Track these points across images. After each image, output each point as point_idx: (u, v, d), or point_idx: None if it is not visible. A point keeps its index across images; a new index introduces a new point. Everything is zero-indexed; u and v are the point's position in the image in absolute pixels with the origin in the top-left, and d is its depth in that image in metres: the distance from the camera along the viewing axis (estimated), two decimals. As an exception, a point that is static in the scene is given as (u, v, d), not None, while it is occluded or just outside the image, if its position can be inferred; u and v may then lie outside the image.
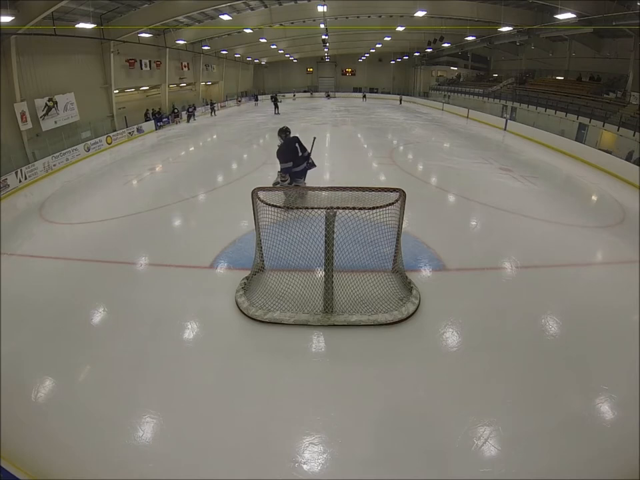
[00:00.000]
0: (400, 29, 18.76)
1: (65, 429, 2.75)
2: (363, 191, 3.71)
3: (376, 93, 38.47)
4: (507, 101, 19.78)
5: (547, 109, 16.07)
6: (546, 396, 2.95)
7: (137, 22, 15.29)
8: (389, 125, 18.33)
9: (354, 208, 3.51)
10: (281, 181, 5.96)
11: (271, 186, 6.03)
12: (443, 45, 23.42)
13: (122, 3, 14.25)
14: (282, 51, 30.20)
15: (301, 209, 4.01)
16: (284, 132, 6.12)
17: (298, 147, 5.94)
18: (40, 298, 4.41)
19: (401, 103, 33.63)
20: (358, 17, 20.21)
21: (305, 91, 39.11)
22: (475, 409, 2.83)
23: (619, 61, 16.03)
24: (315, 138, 6.33)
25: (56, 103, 13.23)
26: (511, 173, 9.55)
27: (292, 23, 19.82)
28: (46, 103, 12.76)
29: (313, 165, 6.28)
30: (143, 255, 5.40)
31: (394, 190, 3.74)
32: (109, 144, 15.25)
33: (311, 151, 6.27)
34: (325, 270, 3.78)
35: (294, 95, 37.30)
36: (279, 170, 6.06)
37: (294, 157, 5.87)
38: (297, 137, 6.09)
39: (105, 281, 4.78)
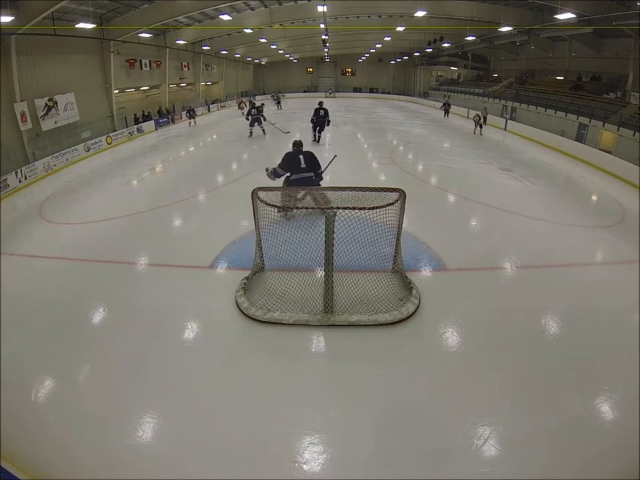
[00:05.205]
0: (400, 28, 18.75)
1: (64, 429, 2.75)
2: (363, 191, 3.70)
3: (376, 92, 38.40)
4: (507, 101, 19.78)
5: (547, 109, 16.08)
6: (546, 396, 2.95)
7: (136, 22, 15.31)
8: (389, 125, 18.33)
9: (354, 208, 3.50)
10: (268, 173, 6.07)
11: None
12: (443, 45, 23.44)
13: (122, 3, 14.27)
14: (282, 51, 30.18)
15: (300, 208, 4.00)
16: (295, 145, 6.26)
17: (302, 160, 5.96)
18: (40, 298, 4.41)
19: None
20: (358, 17, 20.24)
21: (304, 91, 38.46)
22: (474, 409, 2.83)
23: (618, 61, 16.03)
24: (335, 156, 6.36)
25: (56, 102, 13.24)
26: (511, 173, 9.55)
27: (292, 22, 19.86)
28: (46, 103, 12.77)
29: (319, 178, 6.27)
30: (143, 254, 5.40)
31: (394, 190, 3.73)
32: (109, 144, 15.23)
33: (327, 167, 6.35)
34: (324, 270, 3.77)
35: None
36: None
37: (291, 166, 5.93)
38: (307, 152, 6.08)
39: (105, 281, 4.77)
